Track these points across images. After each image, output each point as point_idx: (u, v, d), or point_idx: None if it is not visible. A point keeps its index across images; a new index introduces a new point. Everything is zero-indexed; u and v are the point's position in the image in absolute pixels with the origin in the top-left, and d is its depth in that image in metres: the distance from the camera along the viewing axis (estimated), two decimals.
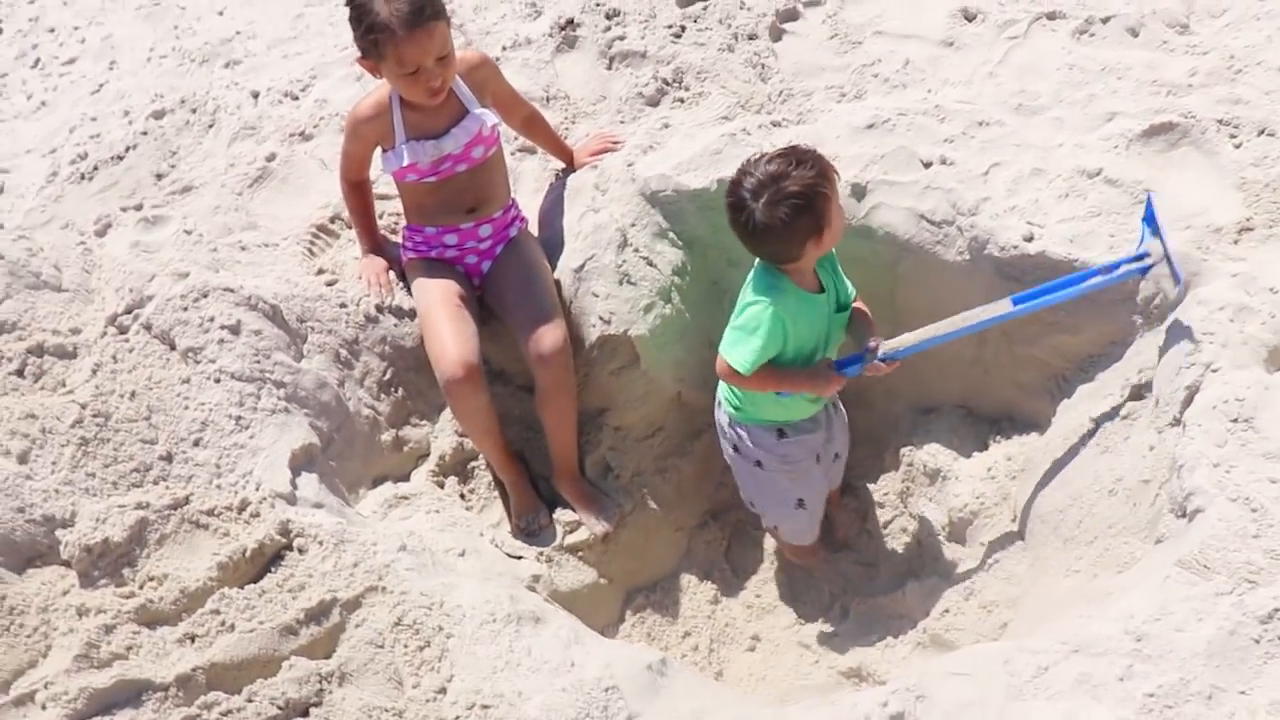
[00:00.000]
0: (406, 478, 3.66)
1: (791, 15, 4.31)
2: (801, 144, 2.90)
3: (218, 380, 3.26)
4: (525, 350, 3.57)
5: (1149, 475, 2.75)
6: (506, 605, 2.88)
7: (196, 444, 3.16)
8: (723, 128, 3.78)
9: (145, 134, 4.86)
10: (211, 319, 3.35)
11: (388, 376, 3.70)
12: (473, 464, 3.76)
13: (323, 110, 4.63)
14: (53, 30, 6.61)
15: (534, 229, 3.92)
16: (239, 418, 3.23)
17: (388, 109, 3.48)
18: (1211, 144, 3.25)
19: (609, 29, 4.46)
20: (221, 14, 6.01)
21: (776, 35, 4.26)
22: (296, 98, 4.84)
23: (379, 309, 3.71)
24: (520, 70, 4.37)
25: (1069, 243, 3.13)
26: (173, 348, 3.30)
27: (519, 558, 3.53)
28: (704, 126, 3.87)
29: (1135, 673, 2.26)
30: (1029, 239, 3.17)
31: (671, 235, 3.71)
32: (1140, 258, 2.96)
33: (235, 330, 3.36)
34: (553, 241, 3.84)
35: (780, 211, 2.71)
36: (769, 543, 3.87)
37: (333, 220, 4.05)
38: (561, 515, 3.67)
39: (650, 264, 3.65)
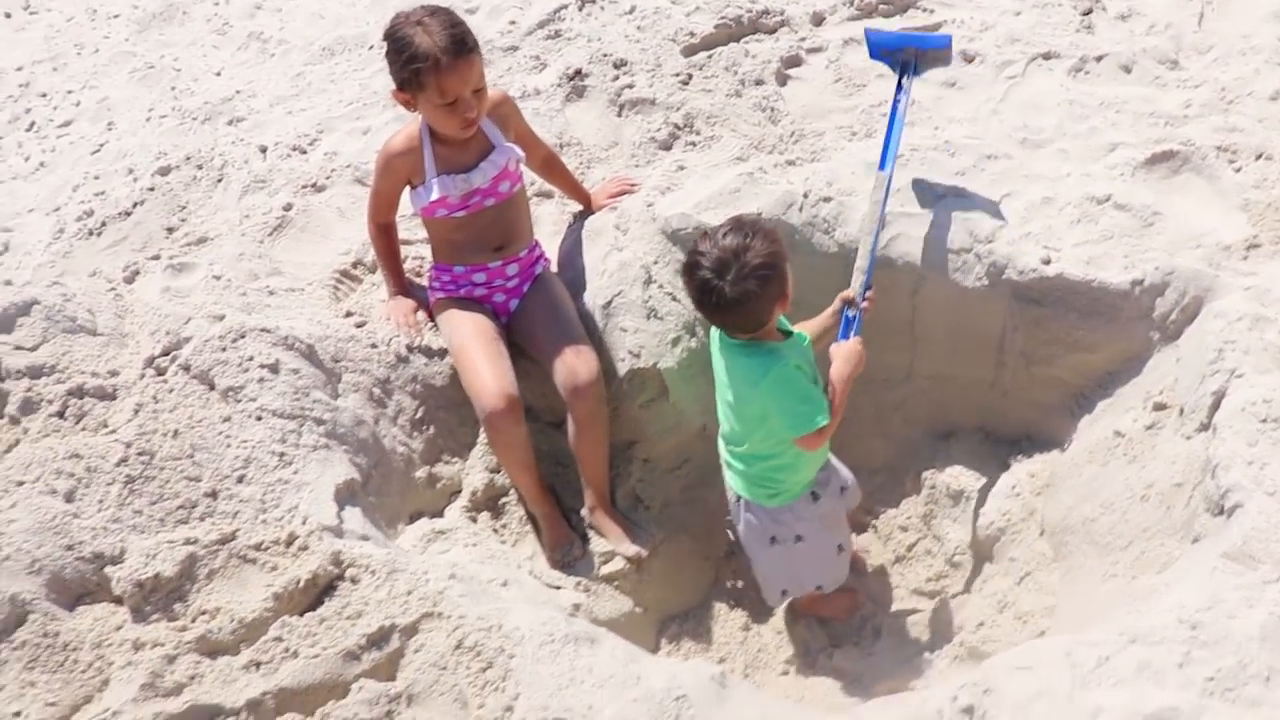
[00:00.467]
0: (441, 514, 3.70)
1: (795, 61, 4.47)
2: (742, 214, 3.10)
3: (259, 418, 3.31)
4: (558, 383, 3.64)
5: (1181, 479, 2.86)
6: (563, 626, 2.93)
7: (240, 480, 3.19)
8: (739, 167, 3.92)
9: (152, 190, 4.91)
10: (250, 358, 3.40)
11: (419, 415, 3.75)
12: (503, 500, 3.81)
13: (333, 162, 4.71)
14: (45, 95, 6.70)
15: (554, 269, 4.01)
16: (282, 454, 3.27)
17: (419, 144, 3.58)
18: (1212, 169, 3.43)
19: (617, 78, 4.60)
20: (219, 74, 6.13)
21: (782, 80, 4.41)
22: (305, 151, 4.93)
23: (409, 349, 3.78)
24: (532, 120, 4.47)
25: (1085, 264, 3.27)
26: (212, 387, 3.34)
27: (557, 588, 3.57)
28: (719, 167, 4.00)
29: (1193, 659, 2.34)
30: (1047, 262, 3.31)
31: None
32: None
33: (274, 369, 3.41)
34: (575, 281, 3.94)
35: (750, 285, 2.82)
36: None
37: (355, 266, 4.12)
38: (596, 545, 3.73)
39: (675, 299, 3.76)
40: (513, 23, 5.52)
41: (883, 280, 3.61)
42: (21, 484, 3.06)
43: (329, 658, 2.79)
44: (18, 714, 2.67)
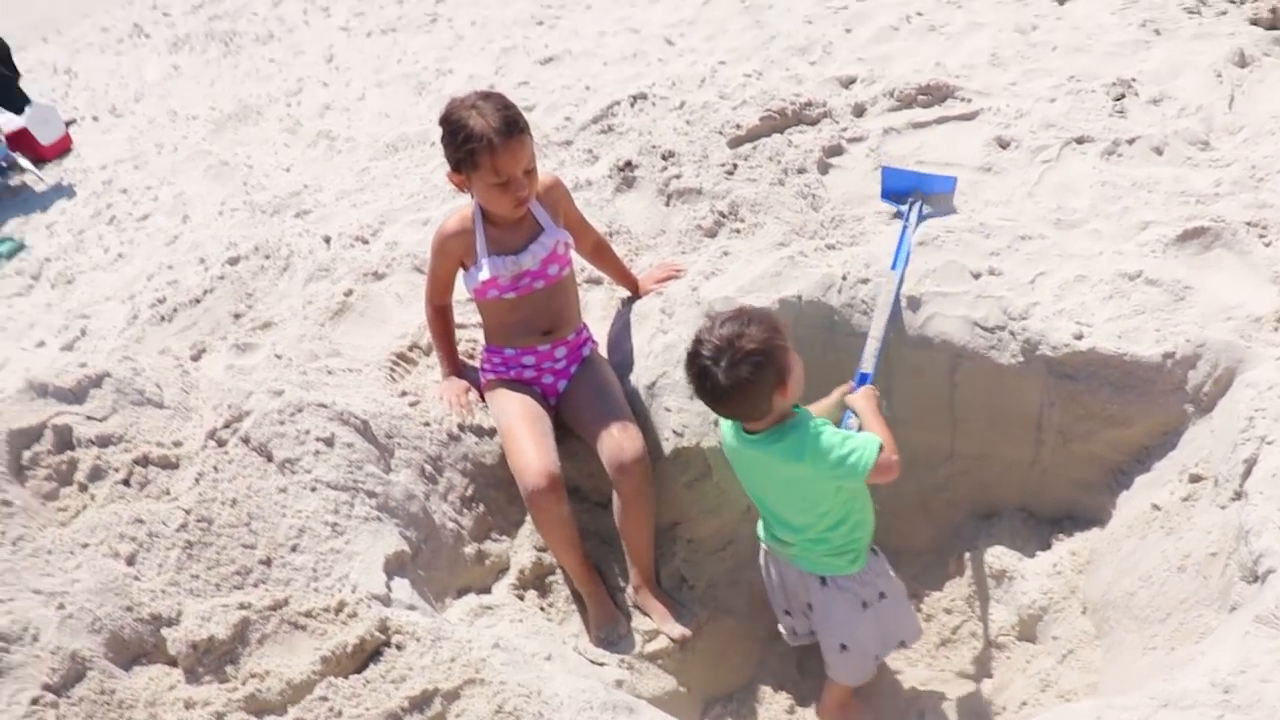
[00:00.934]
0: (488, 590, 3.77)
1: (836, 150, 4.59)
2: (747, 305, 3.17)
3: (314, 489, 3.42)
4: (605, 461, 3.71)
5: (1216, 548, 2.87)
6: (601, 694, 2.99)
7: (294, 549, 3.29)
8: (780, 252, 4.03)
9: (222, 278, 5.11)
10: (307, 432, 3.53)
11: (469, 492, 3.85)
12: (550, 578, 3.87)
13: (393, 251, 4.88)
14: (125, 191, 7.01)
15: (603, 352, 4.12)
16: (334, 524, 3.37)
17: (471, 226, 3.73)
18: (1243, 244, 3.48)
19: (665, 169, 4.75)
20: (288, 170, 6.39)
21: (824, 169, 4.54)
22: (367, 241, 5.12)
23: (460, 428, 3.89)
24: (584, 209, 4.61)
25: (1118, 338, 3.32)
26: (270, 459, 3.47)
27: (601, 664, 3.62)
28: (762, 252, 4.11)
29: None
30: (1079, 337, 3.37)
31: None
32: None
33: (329, 443, 3.54)
34: (623, 364, 4.04)
35: (743, 371, 2.87)
36: None
37: (411, 349, 4.26)
38: (640, 624, 3.77)
39: None
40: (567, 118, 5.73)
41: (920, 361, 3.68)
42: (86, 546, 3.19)
43: (372, 718, 2.86)
44: None
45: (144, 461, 3.46)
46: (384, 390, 4.02)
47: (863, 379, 3.52)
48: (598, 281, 4.42)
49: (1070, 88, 4.52)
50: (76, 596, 3.05)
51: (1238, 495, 2.85)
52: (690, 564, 3.89)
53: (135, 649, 3.06)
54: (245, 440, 3.49)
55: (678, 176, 4.68)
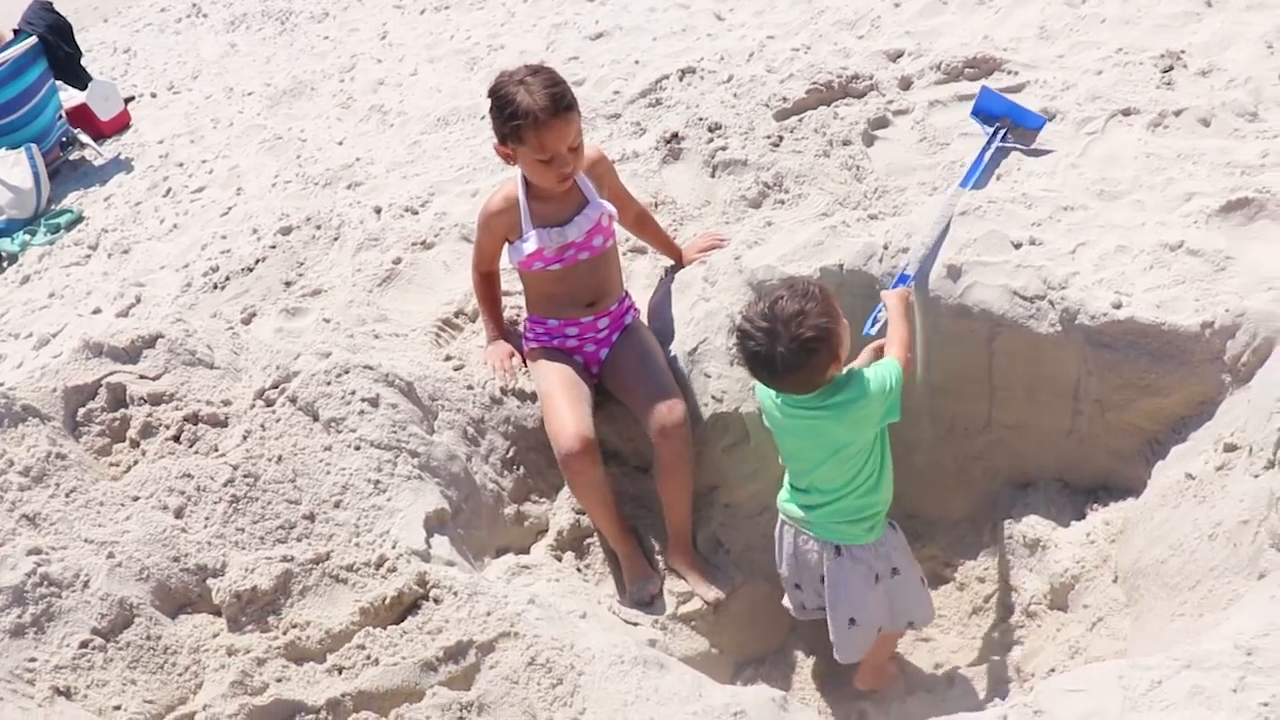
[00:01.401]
0: (527, 550, 3.83)
1: (882, 123, 4.60)
2: (794, 278, 3.25)
3: (358, 448, 3.50)
4: (646, 426, 3.76)
5: (1247, 516, 2.85)
6: (634, 649, 3.02)
7: (337, 505, 3.36)
8: (823, 222, 4.05)
9: (274, 248, 5.20)
10: (353, 392, 3.60)
11: (510, 454, 3.91)
12: (588, 540, 3.93)
13: (442, 222, 4.95)
14: (181, 164, 7.14)
15: (645, 319, 4.16)
16: (377, 482, 3.44)
17: (516, 202, 3.77)
18: None
19: (711, 140, 4.78)
20: (341, 144, 6.48)
21: (869, 141, 4.54)
22: (416, 212, 5.19)
23: (503, 391, 3.95)
24: (630, 180, 4.67)
25: (1156, 308, 3.31)
26: (315, 418, 3.55)
27: (635, 624, 3.67)
28: (805, 222, 4.13)
29: (1248, 684, 2.34)
30: (1118, 306, 3.35)
31: None
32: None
33: (374, 403, 3.61)
34: (664, 331, 4.08)
35: (802, 355, 2.92)
36: None
37: (457, 315, 4.33)
38: (674, 585, 3.82)
39: None
40: (616, 92, 5.77)
41: (959, 329, 3.69)
42: (137, 499, 3.29)
43: (407, 666, 2.92)
44: (118, 708, 2.86)
45: (194, 419, 3.56)
46: (429, 354, 4.09)
47: (902, 279, 3.60)
48: (642, 251, 4.46)
49: (1118, 60, 4.49)
50: (126, 546, 3.15)
51: (1271, 464, 2.83)
52: (727, 528, 3.93)
53: (181, 598, 3.16)
54: (292, 400, 3.58)
55: (724, 148, 4.70)
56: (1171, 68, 4.30)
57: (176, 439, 3.51)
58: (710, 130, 4.85)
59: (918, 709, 3.62)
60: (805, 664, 3.90)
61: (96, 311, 5.43)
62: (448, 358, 4.09)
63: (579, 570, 3.86)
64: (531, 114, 3.45)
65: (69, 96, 8.54)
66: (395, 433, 3.58)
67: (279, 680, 2.90)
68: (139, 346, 3.69)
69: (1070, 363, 3.52)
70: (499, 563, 3.71)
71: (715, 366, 3.85)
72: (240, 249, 5.41)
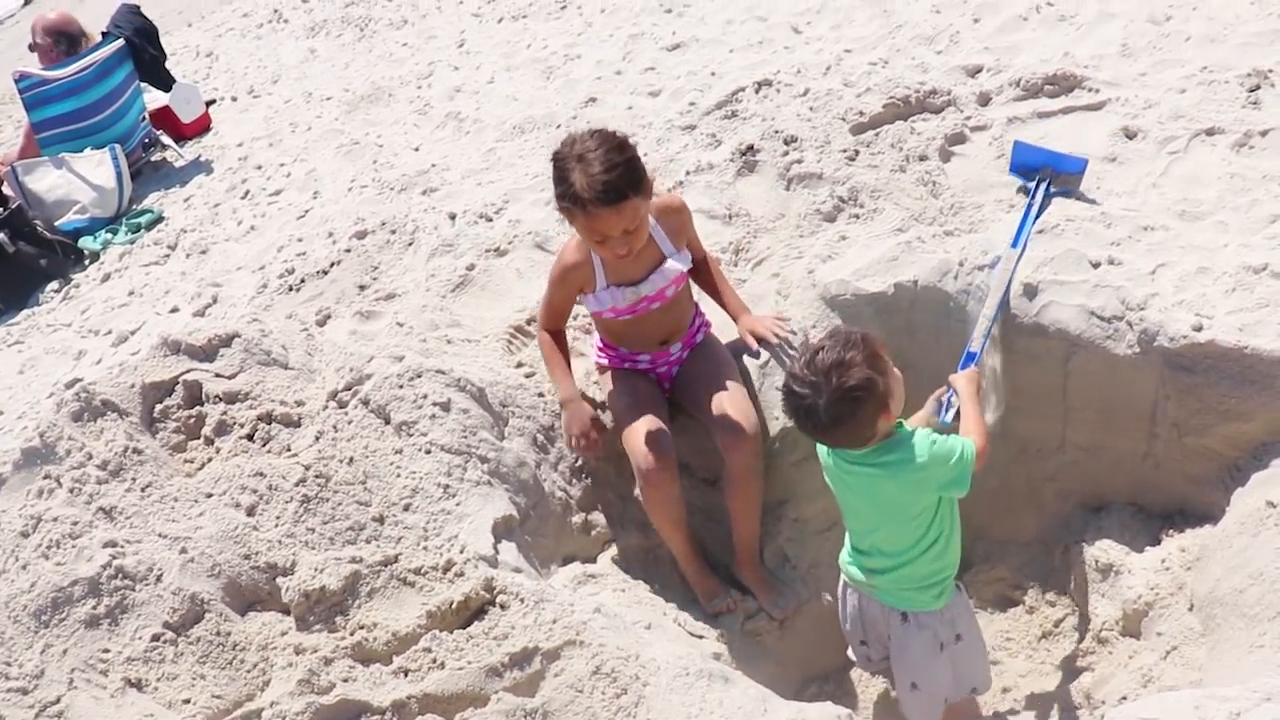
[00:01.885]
0: (593, 560, 3.83)
1: (959, 139, 4.56)
2: (840, 327, 3.17)
3: (428, 452, 3.52)
4: (716, 438, 3.71)
5: None
6: (699, 662, 3.02)
7: (406, 508, 3.39)
8: (898, 237, 4.02)
9: (349, 251, 5.24)
10: (425, 396, 3.63)
11: (579, 464, 3.91)
12: (655, 553, 3.92)
13: (516, 229, 4.96)
14: (260, 167, 7.23)
15: (717, 333, 4.13)
16: (447, 486, 3.46)
17: (589, 255, 3.62)
18: None
19: (787, 154, 4.76)
20: (417, 150, 6.54)
21: (946, 157, 4.50)
22: (491, 219, 5.22)
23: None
24: (704, 192, 4.67)
25: (1238, 331, 3.25)
26: (387, 421, 3.58)
27: (700, 637, 3.66)
28: (880, 237, 4.10)
29: None
30: (1198, 329, 3.29)
31: None
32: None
33: (446, 408, 3.63)
34: (736, 347, 4.06)
35: (845, 407, 2.81)
36: None
37: (529, 322, 4.33)
38: (741, 601, 3.80)
39: None
40: (692, 104, 5.77)
41: (1035, 348, 3.64)
42: (210, 496, 3.35)
43: (473, 671, 2.94)
44: (187, 701, 2.91)
45: (268, 419, 3.61)
46: (501, 361, 4.11)
47: (969, 358, 3.51)
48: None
49: (1202, 78, 4.41)
50: (199, 542, 3.20)
51: None
52: (794, 543, 3.90)
53: (251, 595, 3.20)
54: (365, 402, 3.61)
55: (799, 161, 4.69)
56: (1259, 86, 4.23)
57: (250, 438, 3.56)
58: (786, 143, 4.84)
59: None
60: (870, 683, 3.87)
61: (174, 310, 5.51)
62: (519, 364, 4.11)
63: (644, 582, 3.84)
64: (581, 201, 3.25)
65: (153, 98, 8.68)
66: (466, 438, 3.60)
67: (345, 680, 2.94)
68: (216, 345, 3.76)
69: (1148, 385, 3.47)
70: (565, 571, 3.71)
71: None
72: (316, 252, 5.46)
